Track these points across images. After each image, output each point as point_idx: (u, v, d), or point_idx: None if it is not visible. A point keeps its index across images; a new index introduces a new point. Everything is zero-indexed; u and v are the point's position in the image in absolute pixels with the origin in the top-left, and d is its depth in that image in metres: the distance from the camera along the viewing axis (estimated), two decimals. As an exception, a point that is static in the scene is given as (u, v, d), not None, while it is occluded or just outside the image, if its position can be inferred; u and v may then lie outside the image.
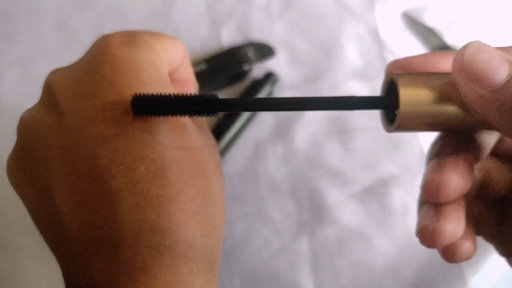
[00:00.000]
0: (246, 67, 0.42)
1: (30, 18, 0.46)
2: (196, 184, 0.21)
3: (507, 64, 0.19)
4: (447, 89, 0.20)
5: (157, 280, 0.19)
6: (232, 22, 0.47)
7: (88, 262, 0.19)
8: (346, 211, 0.39)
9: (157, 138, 0.20)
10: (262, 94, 0.42)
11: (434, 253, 0.23)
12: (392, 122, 0.21)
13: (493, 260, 0.36)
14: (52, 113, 0.21)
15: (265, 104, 0.21)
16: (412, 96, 0.20)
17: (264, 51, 0.44)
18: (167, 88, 0.22)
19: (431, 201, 0.22)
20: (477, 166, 0.23)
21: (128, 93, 0.20)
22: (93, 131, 0.20)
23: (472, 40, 0.20)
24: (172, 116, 0.20)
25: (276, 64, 0.44)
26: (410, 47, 0.47)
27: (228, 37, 0.46)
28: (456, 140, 0.23)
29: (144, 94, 0.20)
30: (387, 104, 0.22)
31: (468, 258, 0.22)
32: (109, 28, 0.46)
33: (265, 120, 0.42)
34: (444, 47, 0.46)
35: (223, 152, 0.40)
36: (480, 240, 0.24)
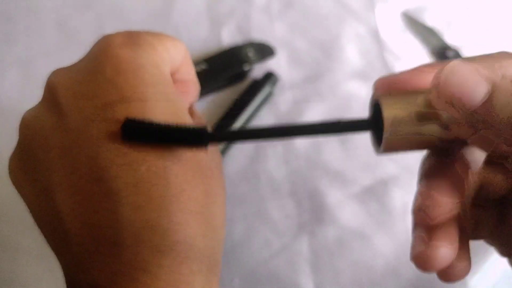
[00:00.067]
0: (246, 67, 0.42)
1: (30, 18, 0.46)
2: (197, 184, 0.21)
3: (485, 83, 0.18)
4: (430, 107, 0.20)
5: (158, 280, 0.19)
6: (232, 22, 0.47)
7: (89, 262, 0.19)
8: (346, 211, 0.39)
9: None
10: (262, 94, 0.42)
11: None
12: (381, 143, 0.21)
13: (493, 260, 0.36)
14: (53, 113, 0.21)
15: (254, 134, 0.21)
16: (396, 117, 0.20)
17: (264, 51, 0.44)
18: (169, 88, 0.22)
19: (422, 224, 0.22)
20: (472, 175, 0.23)
21: (130, 93, 0.20)
22: (95, 131, 0.20)
23: (452, 61, 0.19)
24: (161, 144, 0.20)
25: (276, 64, 0.45)
26: (410, 47, 0.47)
27: (228, 37, 0.46)
28: (444, 157, 0.23)
29: (136, 120, 0.20)
30: (374, 125, 0.21)
31: (463, 277, 0.22)
32: (109, 28, 0.46)
33: (265, 120, 0.42)
34: (444, 47, 0.46)
35: (223, 152, 0.40)
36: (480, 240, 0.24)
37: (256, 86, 0.42)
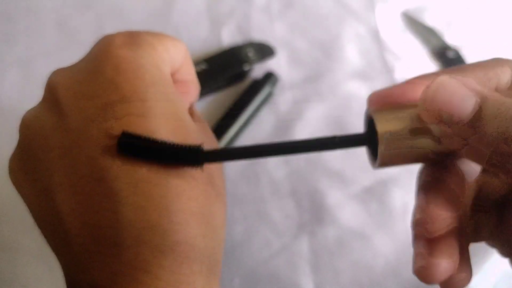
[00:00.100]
0: (246, 67, 0.42)
1: (30, 18, 0.46)
2: (197, 184, 0.21)
3: (473, 97, 0.18)
4: (422, 121, 0.20)
5: (159, 281, 0.19)
6: (232, 22, 0.47)
7: (89, 262, 0.19)
8: (346, 211, 0.39)
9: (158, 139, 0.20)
10: (262, 94, 0.42)
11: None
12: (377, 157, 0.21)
13: (493, 260, 0.36)
14: (53, 113, 0.21)
15: (250, 152, 0.21)
16: (390, 132, 0.20)
17: (264, 51, 0.44)
18: (169, 88, 0.22)
19: (422, 237, 0.22)
20: (471, 183, 0.23)
21: (130, 93, 0.20)
22: (95, 131, 0.20)
23: (440, 76, 0.19)
24: (156, 161, 0.20)
25: (276, 64, 0.45)
26: (410, 47, 0.47)
27: (228, 37, 0.46)
28: (440, 170, 0.23)
29: (132, 134, 0.20)
30: (369, 140, 0.22)
31: (465, 286, 0.23)
32: (109, 28, 0.46)
33: (265, 120, 0.42)
34: (444, 47, 0.46)
35: (223, 152, 0.40)
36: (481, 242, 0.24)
37: (256, 86, 0.42)
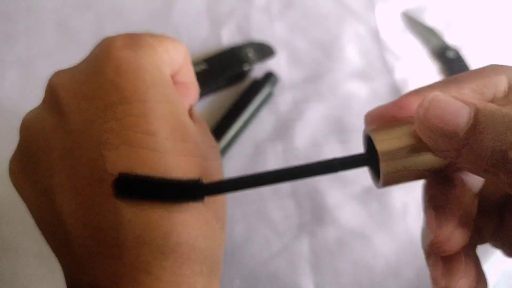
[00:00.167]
0: (246, 67, 0.42)
1: (30, 18, 0.46)
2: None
3: (467, 109, 0.18)
4: (419, 138, 0.20)
5: (160, 282, 0.19)
6: (232, 22, 0.47)
7: (90, 263, 0.20)
8: (346, 211, 0.39)
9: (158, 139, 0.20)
10: (262, 94, 0.42)
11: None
12: (379, 176, 0.21)
13: (493, 260, 0.36)
14: (54, 114, 0.21)
15: (252, 182, 0.21)
16: (390, 152, 0.20)
17: (264, 51, 0.44)
18: (169, 90, 0.22)
19: (437, 257, 0.22)
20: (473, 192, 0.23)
21: (130, 94, 0.20)
22: (96, 132, 0.20)
23: (432, 93, 0.19)
24: (156, 201, 0.20)
25: (276, 64, 0.45)
26: (410, 47, 0.47)
27: (228, 37, 0.46)
28: (445, 184, 0.22)
29: (130, 175, 0.19)
30: (370, 160, 0.21)
31: None
32: (109, 28, 0.46)
33: (265, 120, 0.42)
34: (444, 47, 0.46)
35: (223, 152, 0.40)
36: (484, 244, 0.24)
37: (256, 86, 0.42)
